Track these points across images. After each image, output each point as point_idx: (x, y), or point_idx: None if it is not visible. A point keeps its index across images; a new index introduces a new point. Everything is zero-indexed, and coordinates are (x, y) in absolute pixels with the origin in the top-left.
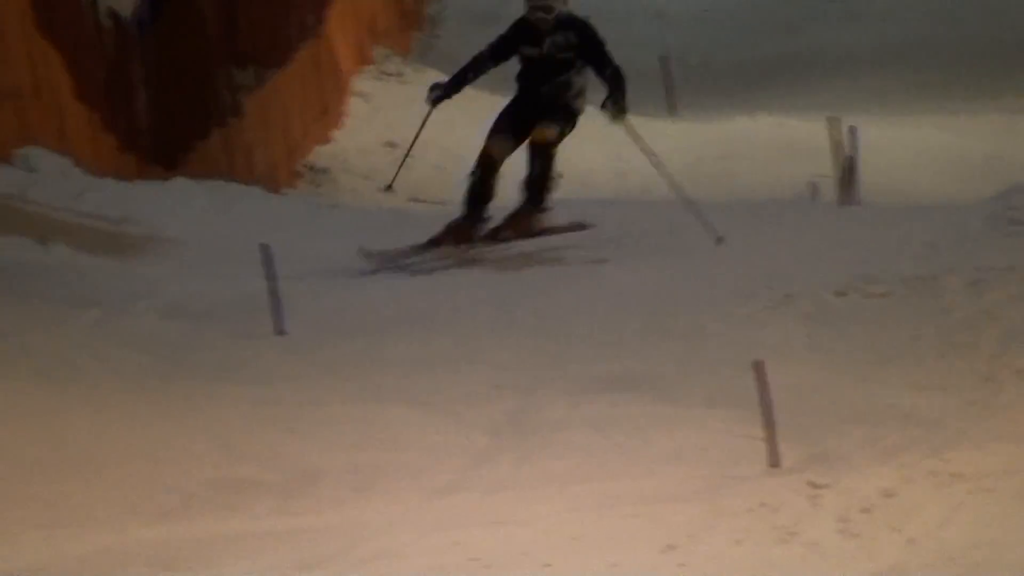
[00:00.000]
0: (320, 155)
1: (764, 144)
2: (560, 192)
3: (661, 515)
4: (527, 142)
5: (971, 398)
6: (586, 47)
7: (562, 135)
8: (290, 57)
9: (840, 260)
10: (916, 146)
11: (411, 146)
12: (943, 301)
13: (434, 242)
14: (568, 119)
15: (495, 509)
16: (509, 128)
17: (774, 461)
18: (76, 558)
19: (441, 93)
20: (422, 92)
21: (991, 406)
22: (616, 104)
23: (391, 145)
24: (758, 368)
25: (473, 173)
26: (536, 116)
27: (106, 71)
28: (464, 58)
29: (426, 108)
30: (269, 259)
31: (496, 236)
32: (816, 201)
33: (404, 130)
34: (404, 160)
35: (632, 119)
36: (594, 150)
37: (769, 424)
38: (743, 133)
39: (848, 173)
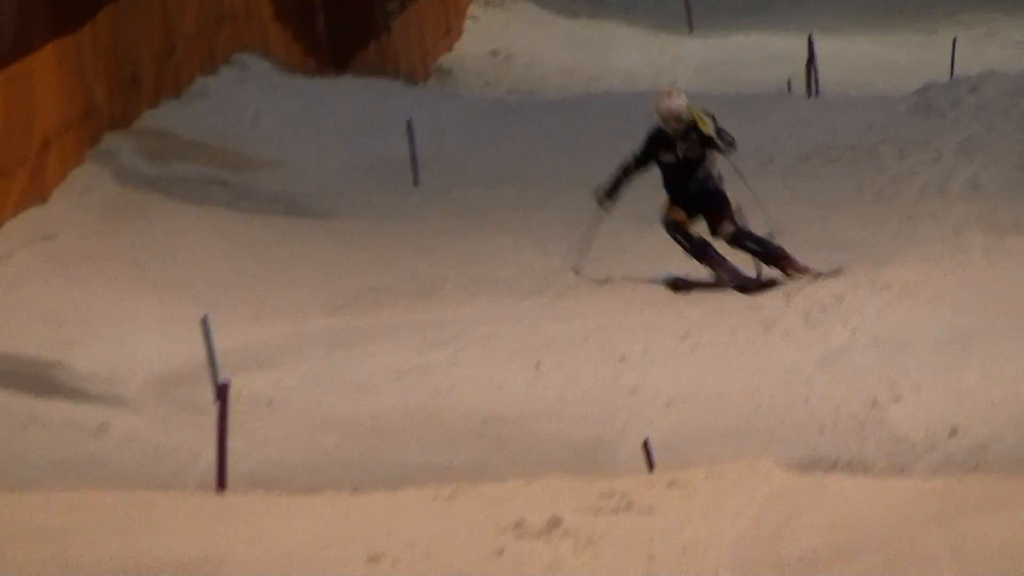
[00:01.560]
0: (444, 60)
1: (754, 54)
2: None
3: (680, 312)
4: (726, 240)
5: (896, 232)
6: (709, 140)
7: (733, 219)
8: None
9: (806, 134)
10: (860, 55)
11: (587, 241)
12: (878, 163)
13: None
14: (726, 201)
15: (563, 308)
16: (678, 204)
17: (759, 275)
18: (275, 339)
19: (608, 201)
20: (515, 15)
21: (910, 238)
22: (729, 145)
23: (494, 53)
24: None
25: (680, 243)
26: (696, 209)
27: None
28: None
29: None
30: (411, 131)
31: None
32: (790, 94)
33: (504, 43)
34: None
35: (659, 34)
36: (635, 58)
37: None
38: (740, 46)
39: (809, 74)
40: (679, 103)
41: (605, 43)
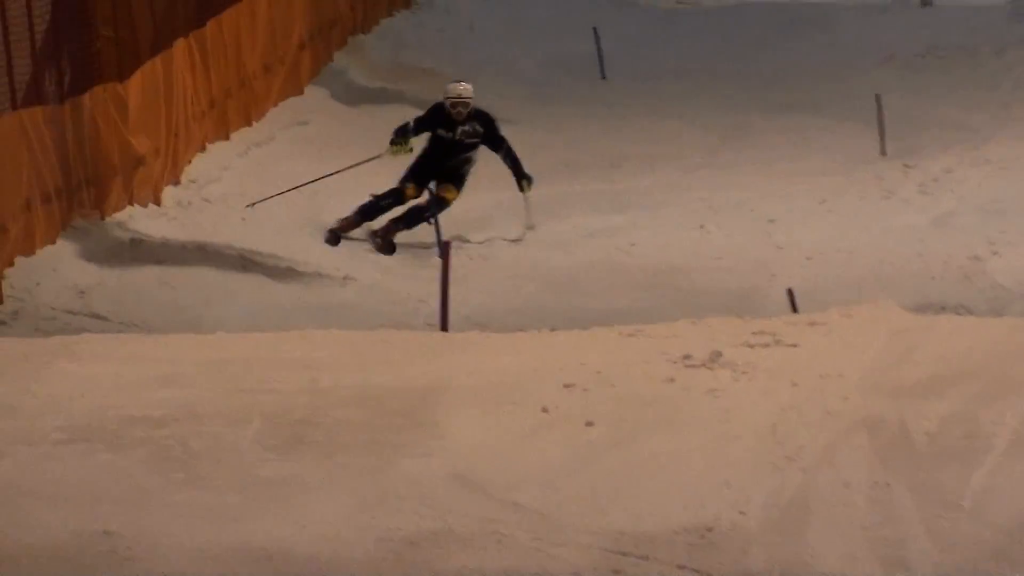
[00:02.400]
0: None
1: None
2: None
3: (816, 183)
4: (433, 189)
5: (996, 115)
6: (489, 135)
7: (455, 194)
8: None
9: (921, 36)
10: None
11: (333, 173)
12: (980, 60)
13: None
14: (462, 182)
15: (725, 179)
16: (420, 177)
17: (883, 151)
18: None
19: (399, 143)
20: None
21: (1008, 120)
22: (526, 180)
23: None
24: (877, 99)
25: (382, 198)
26: (439, 176)
27: None
28: None
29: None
30: (597, 34)
31: (378, 233)
32: (909, 2)
33: None
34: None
35: None
36: None
37: (881, 132)
38: None
39: None
40: (467, 92)
41: None
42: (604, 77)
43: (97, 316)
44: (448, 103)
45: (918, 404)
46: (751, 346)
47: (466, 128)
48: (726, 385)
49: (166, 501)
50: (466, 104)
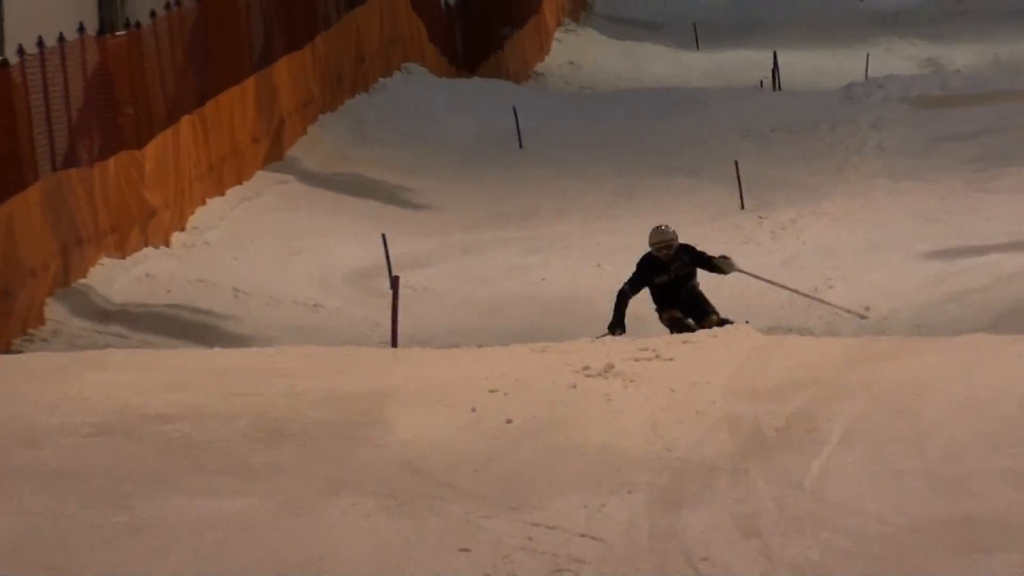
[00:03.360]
0: (538, 67)
1: (740, 62)
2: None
3: (690, 230)
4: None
5: (831, 177)
6: (696, 261)
7: (716, 311)
8: (526, 22)
9: (772, 115)
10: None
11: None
12: (819, 134)
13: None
14: (706, 301)
15: (617, 227)
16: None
17: (742, 206)
18: (429, 248)
19: (620, 331)
20: (584, 38)
21: (841, 181)
22: (723, 261)
23: (571, 63)
24: (736, 164)
25: (676, 327)
26: (689, 314)
27: (443, 27)
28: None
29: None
30: (516, 113)
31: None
32: (762, 89)
33: (577, 56)
34: None
35: (676, 51)
36: (661, 66)
37: (740, 190)
38: (730, 57)
39: (775, 76)
40: (671, 235)
41: (641, 56)
42: (521, 146)
43: (119, 335)
44: (653, 249)
45: (769, 405)
46: (637, 360)
47: (677, 265)
48: (617, 391)
49: (173, 481)
50: (670, 246)
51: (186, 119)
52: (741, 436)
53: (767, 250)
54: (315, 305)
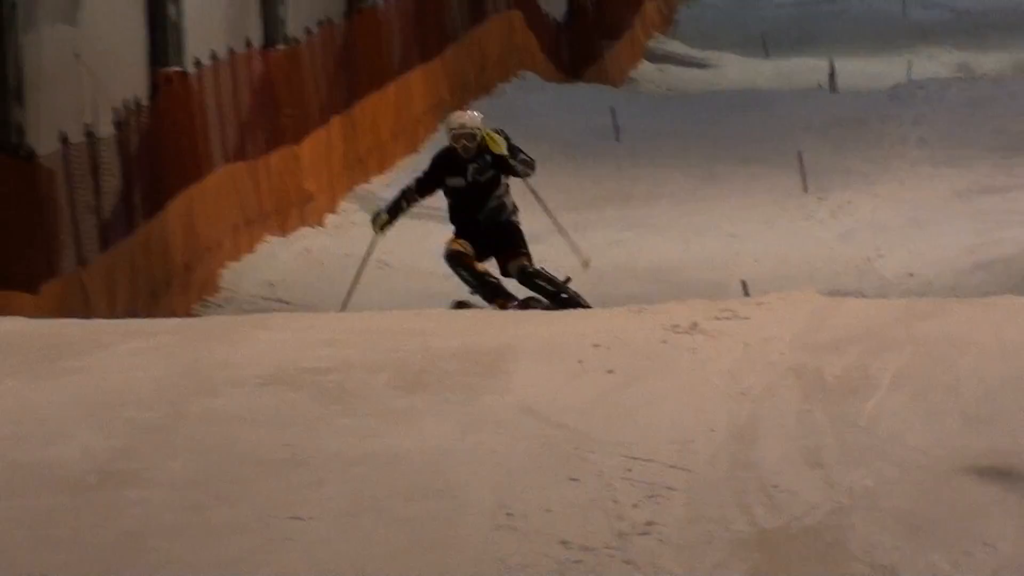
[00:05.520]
0: (633, 73)
1: (803, 68)
2: (718, 88)
3: (761, 210)
4: (517, 279)
5: (880, 164)
6: (501, 160)
7: (527, 254)
8: (621, 35)
9: (829, 112)
10: (860, 68)
11: (363, 264)
12: (870, 127)
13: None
14: (520, 236)
15: (701, 208)
16: (465, 236)
17: (805, 189)
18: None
19: (386, 221)
20: (671, 47)
21: (888, 168)
22: (522, 165)
23: (659, 70)
24: (799, 155)
25: (461, 274)
26: (491, 249)
27: (552, 40)
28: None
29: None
30: (614, 112)
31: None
32: (821, 90)
33: (665, 64)
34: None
35: (748, 58)
36: (735, 71)
37: (803, 176)
38: (794, 64)
39: (831, 79)
40: (472, 120)
41: (718, 63)
42: (618, 140)
43: (281, 301)
44: (450, 137)
45: (829, 356)
46: (718, 319)
47: (476, 164)
48: (700, 345)
49: (328, 424)
50: (471, 136)
51: (336, 119)
52: (806, 383)
53: (826, 226)
54: (446, 275)
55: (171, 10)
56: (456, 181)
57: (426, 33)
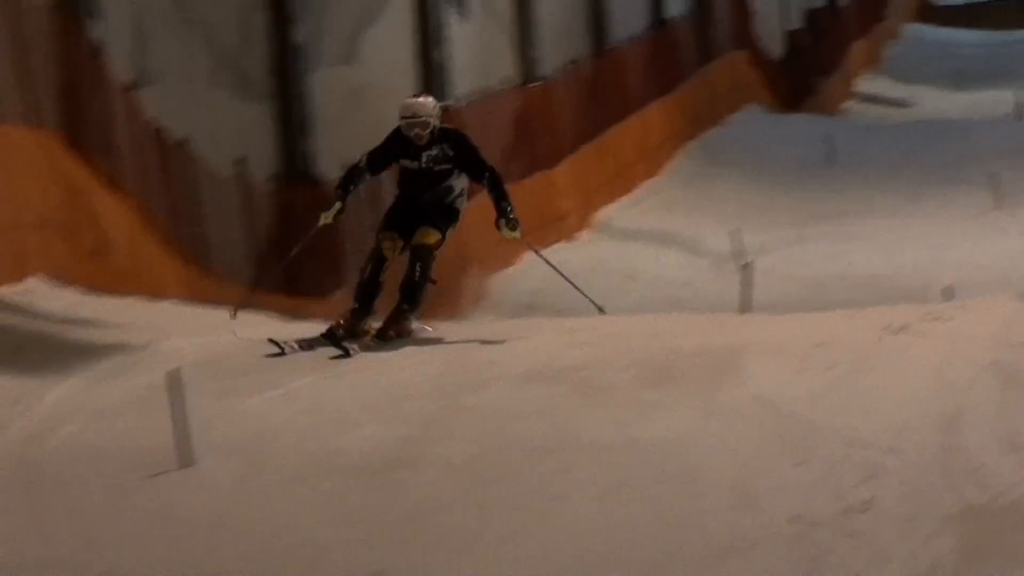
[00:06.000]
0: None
1: (992, 99)
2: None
3: (961, 224)
4: (411, 245)
5: None
6: (462, 157)
7: (443, 239)
8: (833, 72)
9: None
10: None
11: (304, 241)
12: None
13: (329, 334)
14: (451, 220)
15: (908, 223)
16: (397, 227)
17: (997, 206)
18: (771, 239)
19: (339, 210)
20: (880, 86)
21: None
22: (508, 220)
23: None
24: (992, 176)
25: (363, 269)
26: (420, 218)
27: (773, 77)
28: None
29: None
30: (829, 138)
31: (382, 335)
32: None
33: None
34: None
35: (942, 90)
36: (935, 101)
37: (996, 194)
38: (985, 96)
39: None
40: (424, 108)
41: (918, 95)
42: (833, 164)
43: (540, 307)
44: (402, 125)
45: None
46: (925, 321)
47: (432, 153)
48: (910, 343)
49: (583, 415)
50: (424, 124)
51: (585, 147)
52: (1004, 376)
53: (1015, 240)
54: (684, 283)
55: (436, 54)
56: (409, 163)
57: (663, 71)
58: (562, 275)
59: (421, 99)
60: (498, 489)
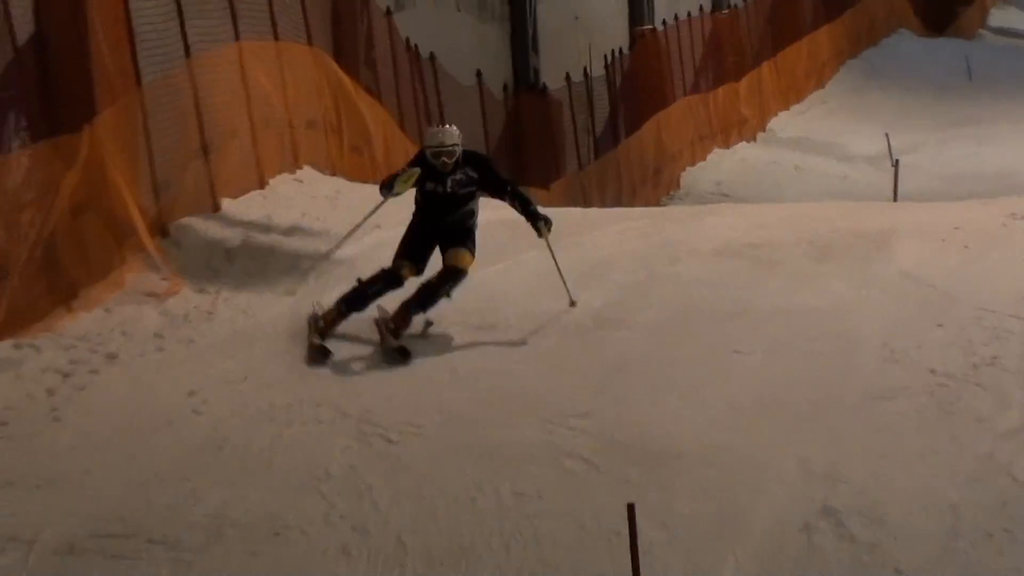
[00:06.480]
0: (979, 32)
1: None
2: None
3: None
4: (444, 264)
5: None
6: (484, 177)
7: (471, 253)
8: (973, 3)
9: None
10: None
11: (356, 227)
12: None
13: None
14: (473, 240)
15: None
16: (417, 251)
17: None
18: (909, 141)
19: (416, 170)
20: (1007, 14)
21: None
22: (543, 222)
23: (999, 29)
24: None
25: (371, 284)
26: (442, 240)
27: (922, 4)
28: None
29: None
30: (967, 58)
31: (395, 334)
32: None
33: (1003, 23)
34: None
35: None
36: None
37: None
38: None
39: None
40: (450, 138)
41: None
42: (970, 79)
43: (725, 195)
44: (429, 154)
45: None
46: None
47: (457, 177)
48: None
49: (760, 285)
50: (451, 153)
51: (765, 63)
52: None
53: None
54: (843, 177)
55: None
56: (434, 187)
57: (831, 2)
58: (555, 263)
59: (448, 128)
60: (686, 346)
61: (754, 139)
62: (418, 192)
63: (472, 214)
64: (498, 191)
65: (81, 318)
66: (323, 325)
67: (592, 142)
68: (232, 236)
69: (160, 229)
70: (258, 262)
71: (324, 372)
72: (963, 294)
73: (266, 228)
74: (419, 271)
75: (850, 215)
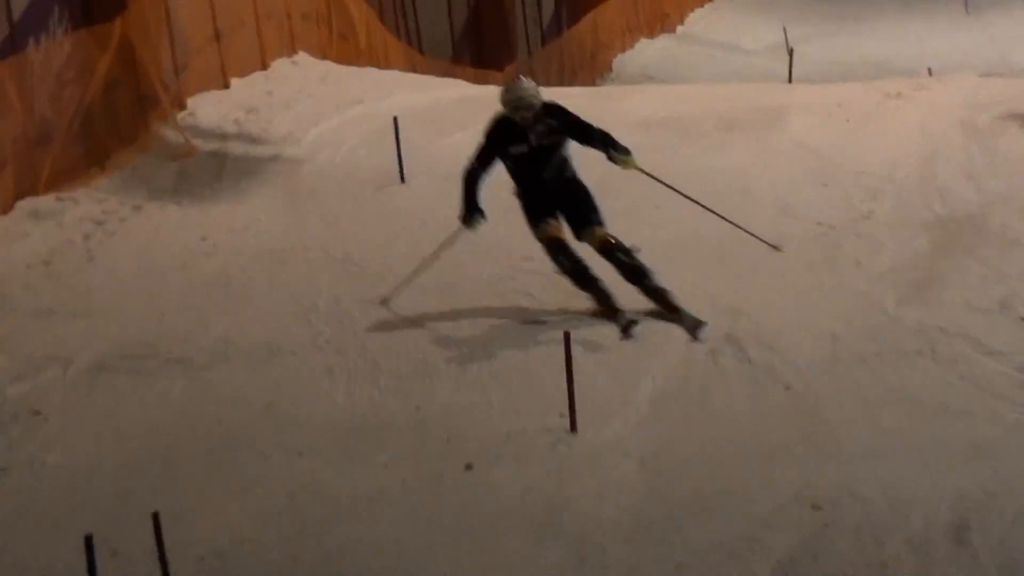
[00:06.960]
0: None
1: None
2: None
3: None
4: (596, 251)
5: None
6: (569, 124)
7: (602, 221)
8: None
9: None
10: None
11: (443, 245)
12: None
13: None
14: (592, 199)
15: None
16: (547, 213)
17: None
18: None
19: (472, 220)
20: None
21: None
22: (621, 152)
23: None
24: None
25: (561, 265)
26: (561, 208)
27: None
28: None
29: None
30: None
31: (692, 328)
32: None
33: None
34: (437, 251)
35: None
36: None
37: None
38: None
39: None
40: (527, 91)
41: None
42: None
43: (650, 77)
44: (509, 110)
45: (981, 113)
46: (913, 90)
47: (539, 129)
48: (902, 106)
49: (676, 151)
50: (529, 106)
51: None
52: (967, 128)
53: (978, 35)
54: (747, 63)
55: None
56: (519, 148)
57: None
58: (660, 181)
59: (522, 81)
60: (617, 199)
61: (674, 31)
62: (507, 163)
63: (565, 162)
64: (586, 136)
65: (112, 176)
66: (603, 308)
67: (540, 32)
68: (239, 108)
69: (179, 102)
70: (261, 129)
71: (314, 221)
72: (844, 159)
73: (268, 102)
74: (561, 225)
75: (752, 94)
